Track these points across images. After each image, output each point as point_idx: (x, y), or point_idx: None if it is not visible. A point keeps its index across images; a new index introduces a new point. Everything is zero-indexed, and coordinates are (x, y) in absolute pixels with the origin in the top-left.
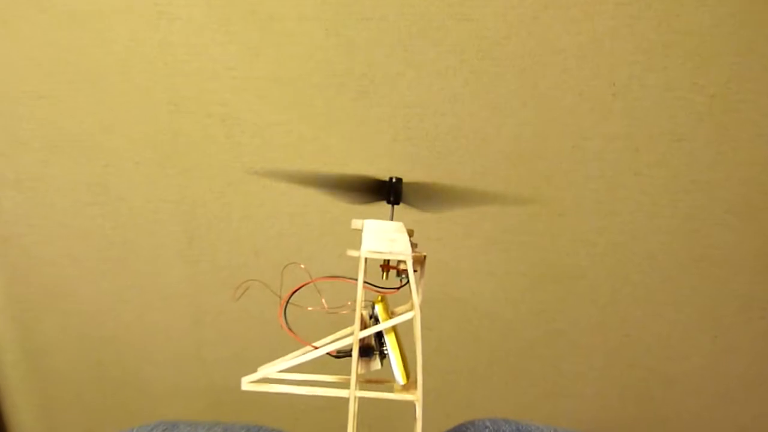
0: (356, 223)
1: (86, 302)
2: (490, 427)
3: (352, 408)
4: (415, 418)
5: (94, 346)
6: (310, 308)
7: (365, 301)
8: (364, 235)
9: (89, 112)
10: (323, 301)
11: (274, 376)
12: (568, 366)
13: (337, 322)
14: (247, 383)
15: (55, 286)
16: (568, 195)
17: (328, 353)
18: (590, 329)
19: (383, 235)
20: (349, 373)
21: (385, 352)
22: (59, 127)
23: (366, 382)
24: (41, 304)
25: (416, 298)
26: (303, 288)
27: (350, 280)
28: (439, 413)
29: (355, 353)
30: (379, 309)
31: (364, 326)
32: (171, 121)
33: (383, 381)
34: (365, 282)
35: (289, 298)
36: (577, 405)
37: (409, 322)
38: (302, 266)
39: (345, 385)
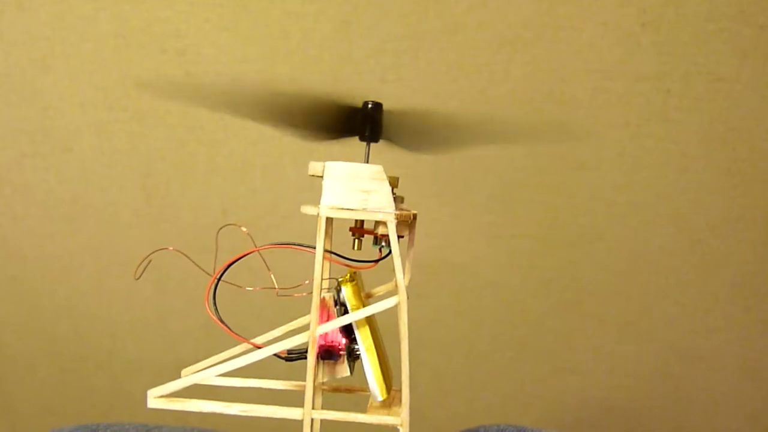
0: (314, 167)
1: (34, 268)
2: None
3: None
4: None
5: (46, 318)
6: (249, 288)
7: (330, 279)
8: (324, 183)
9: (19, 44)
10: (272, 278)
11: (207, 380)
12: (579, 340)
13: (292, 308)
14: (154, 399)
15: None
16: (587, 145)
17: (275, 354)
18: (605, 299)
19: (354, 183)
20: (305, 378)
21: (357, 352)
22: None
23: (331, 392)
24: None
25: (401, 277)
26: (244, 260)
27: (308, 250)
28: (435, 392)
29: (311, 358)
30: (347, 292)
31: (326, 316)
32: (119, 56)
33: (355, 390)
34: (328, 252)
35: (222, 274)
36: (587, 382)
37: (392, 311)
38: (244, 229)
39: (299, 396)
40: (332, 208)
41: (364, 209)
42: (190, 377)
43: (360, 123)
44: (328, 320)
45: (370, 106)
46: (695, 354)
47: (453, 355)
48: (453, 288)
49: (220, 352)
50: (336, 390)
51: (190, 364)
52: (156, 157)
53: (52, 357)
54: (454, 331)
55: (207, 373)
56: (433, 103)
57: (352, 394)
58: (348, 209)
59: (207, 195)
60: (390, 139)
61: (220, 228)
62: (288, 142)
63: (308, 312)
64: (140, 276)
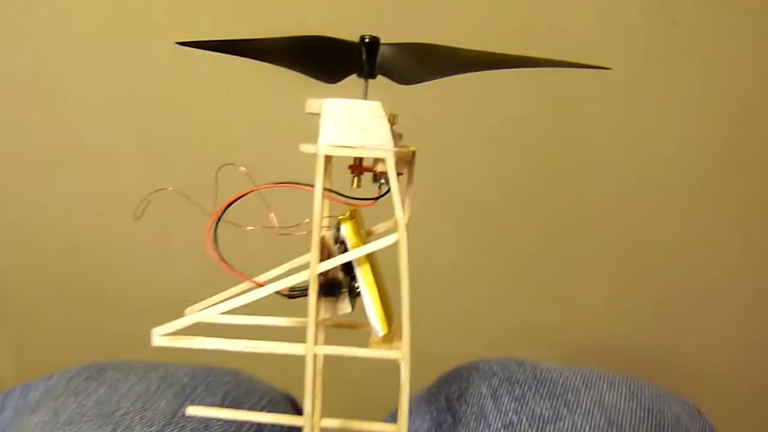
0: (312, 105)
1: (36, 209)
2: (500, 374)
3: (311, 371)
4: (399, 382)
5: (51, 259)
6: (250, 227)
7: (330, 217)
8: (323, 121)
9: None
10: (272, 217)
11: (211, 317)
12: (579, 273)
13: (292, 247)
14: (159, 337)
15: None
16: (589, 78)
17: (277, 292)
18: (605, 231)
19: (352, 121)
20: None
21: (358, 289)
22: None
23: (333, 327)
24: None
25: (401, 215)
26: (242, 200)
27: (306, 188)
28: (434, 325)
29: (312, 295)
30: (346, 230)
31: (327, 254)
32: None
33: (357, 325)
34: (328, 190)
35: (222, 213)
36: (587, 314)
37: (392, 247)
38: (243, 169)
39: (302, 333)
40: (331, 146)
41: (362, 146)
42: (194, 315)
43: (357, 59)
44: (328, 258)
45: (367, 40)
46: (694, 285)
47: (453, 287)
48: (452, 223)
49: (223, 290)
50: (338, 326)
51: (193, 303)
52: (152, 95)
53: (60, 297)
54: (453, 265)
55: (211, 311)
56: (431, 34)
57: (354, 329)
58: (346, 146)
59: (206, 133)
60: (388, 75)
61: (219, 167)
62: (286, 79)
63: (308, 251)
64: (140, 216)
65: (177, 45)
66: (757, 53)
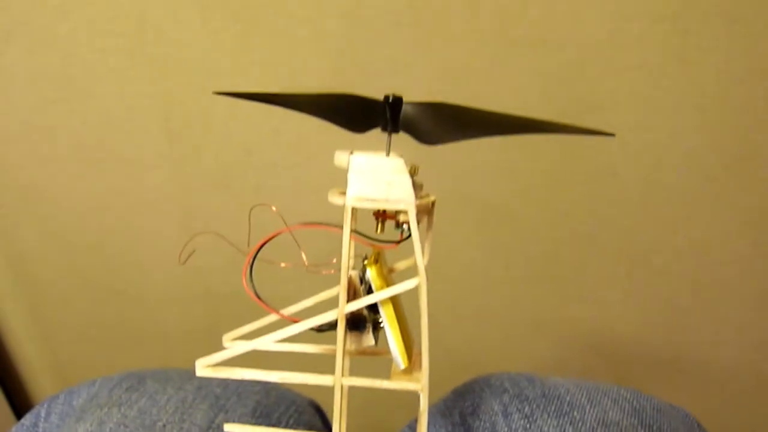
0: (340, 158)
1: (65, 207)
2: (511, 391)
3: (339, 398)
4: (419, 411)
5: (78, 254)
6: (283, 264)
7: (355, 257)
8: (350, 176)
9: None
10: (303, 255)
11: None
12: (592, 272)
13: (317, 278)
14: (203, 368)
15: (28, 190)
16: (603, 87)
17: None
18: (618, 233)
19: (377, 175)
20: (335, 342)
21: (381, 324)
22: (4, 8)
23: (358, 354)
24: (16, 209)
25: (421, 261)
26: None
27: (335, 229)
28: (451, 320)
29: (340, 332)
30: (371, 273)
31: (353, 291)
32: (136, 2)
33: (379, 353)
34: (355, 232)
35: (256, 253)
36: (599, 312)
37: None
38: (274, 209)
39: (330, 360)
40: (357, 199)
41: (386, 199)
42: (246, 344)
43: (381, 115)
44: (355, 296)
45: (390, 100)
46: (704, 286)
47: (467, 285)
48: (468, 221)
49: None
50: (362, 353)
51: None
52: (176, 101)
53: (87, 290)
54: (469, 262)
55: (265, 340)
56: (445, 44)
57: (375, 356)
58: (372, 199)
59: (229, 136)
60: (409, 131)
61: (252, 208)
62: (308, 85)
63: (329, 284)
64: (184, 262)
65: (215, 94)
66: None
